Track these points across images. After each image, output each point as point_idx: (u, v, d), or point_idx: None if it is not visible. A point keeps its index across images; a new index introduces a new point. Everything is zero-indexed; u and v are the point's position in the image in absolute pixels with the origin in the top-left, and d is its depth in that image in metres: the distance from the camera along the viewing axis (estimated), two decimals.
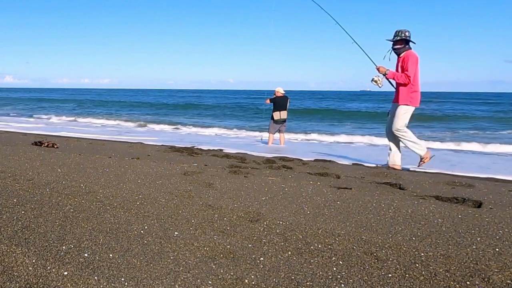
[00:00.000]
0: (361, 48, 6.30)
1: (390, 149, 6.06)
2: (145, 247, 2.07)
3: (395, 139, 6.01)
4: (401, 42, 5.81)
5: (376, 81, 5.96)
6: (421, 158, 5.90)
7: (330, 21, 6.36)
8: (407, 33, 5.75)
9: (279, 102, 9.89)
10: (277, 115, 9.84)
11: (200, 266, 1.89)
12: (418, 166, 5.94)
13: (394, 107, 5.98)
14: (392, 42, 5.85)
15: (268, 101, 10.16)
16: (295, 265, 1.95)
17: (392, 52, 5.91)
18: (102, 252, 1.98)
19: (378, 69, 5.99)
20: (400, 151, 6.04)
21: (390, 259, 2.01)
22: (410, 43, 5.81)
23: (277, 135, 10.06)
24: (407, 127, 5.90)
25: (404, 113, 5.81)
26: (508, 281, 1.79)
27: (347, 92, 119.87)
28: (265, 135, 11.06)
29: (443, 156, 8.01)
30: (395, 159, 6.03)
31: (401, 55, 5.86)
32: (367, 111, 27.66)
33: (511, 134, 14.20)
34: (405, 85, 5.78)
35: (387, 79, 5.98)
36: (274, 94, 10.12)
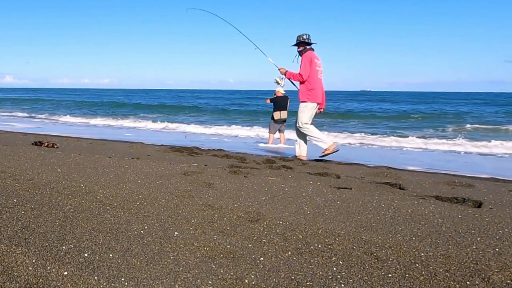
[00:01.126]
0: (263, 53, 6.99)
1: (297, 141, 6.73)
2: (145, 247, 2.07)
3: (301, 134, 6.61)
4: (301, 45, 6.52)
5: (277, 81, 6.81)
6: (324, 150, 6.50)
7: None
8: (304, 36, 6.47)
9: (279, 102, 9.89)
10: (277, 115, 9.84)
11: (200, 266, 1.89)
12: (320, 156, 6.56)
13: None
14: (296, 46, 6.57)
15: (268, 101, 10.17)
16: (295, 265, 1.95)
17: (298, 55, 6.60)
18: (102, 252, 1.98)
19: (279, 70, 6.70)
20: (306, 144, 6.67)
21: (390, 259, 2.01)
22: (313, 45, 6.53)
23: (277, 134, 10.07)
24: (312, 123, 6.55)
25: (303, 109, 6.42)
26: (508, 281, 1.79)
27: (348, 92, 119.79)
28: (265, 135, 11.08)
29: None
30: (301, 150, 6.67)
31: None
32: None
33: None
34: (303, 83, 6.40)
35: (288, 78, 6.67)
36: (275, 94, 10.12)
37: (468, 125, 16.47)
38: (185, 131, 13.19)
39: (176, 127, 15.54)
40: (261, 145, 9.95)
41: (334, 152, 6.39)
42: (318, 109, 6.60)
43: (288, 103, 9.99)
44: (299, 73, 6.37)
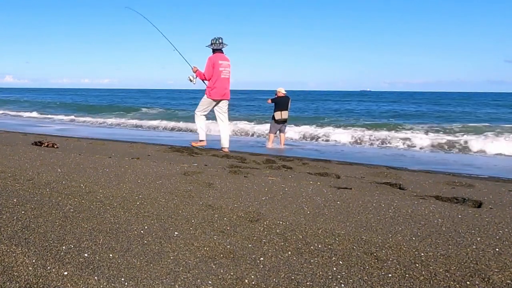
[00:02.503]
0: (180, 54, 7.74)
1: (220, 133, 7.52)
2: (145, 247, 2.07)
3: (221, 125, 7.48)
4: (213, 46, 7.39)
5: (190, 79, 7.49)
6: (196, 141, 7.56)
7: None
8: (213, 41, 7.30)
9: (280, 102, 9.88)
10: (278, 115, 9.82)
11: (200, 266, 1.89)
12: (190, 143, 7.64)
13: None
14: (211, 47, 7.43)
15: (269, 101, 10.14)
16: (295, 265, 1.95)
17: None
18: (102, 252, 1.98)
19: (192, 69, 7.46)
20: (225, 136, 7.42)
21: (390, 259, 2.01)
22: (221, 48, 7.33)
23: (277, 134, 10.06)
24: (205, 115, 7.56)
25: (203, 101, 7.42)
26: (508, 281, 1.79)
27: (347, 92, 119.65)
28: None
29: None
30: (223, 142, 7.43)
31: None
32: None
33: None
34: (207, 81, 7.34)
35: (197, 77, 7.50)
36: (276, 94, 10.11)
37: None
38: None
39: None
40: (261, 145, 9.94)
41: (199, 147, 7.37)
42: (224, 100, 7.43)
43: (290, 104, 9.97)
44: (203, 73, 7.28)
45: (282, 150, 9.14)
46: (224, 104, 7.38)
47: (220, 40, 7.24)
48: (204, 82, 7.40)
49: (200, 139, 7.47)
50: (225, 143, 7.36)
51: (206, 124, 7.67)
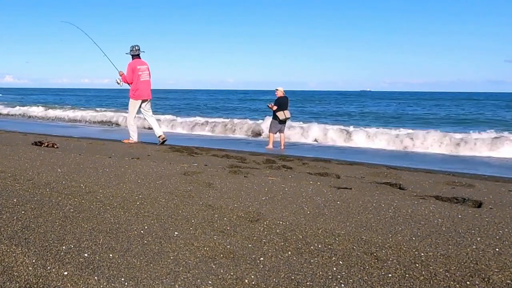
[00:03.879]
0: (109, 59, 8.62)
1: (153, 129, 8.31)
2: (145, 247, 2.07)
3: (150, 120, 8.34)
4: (132, 53, 8.22)
5: (118, 82, 8.31)
6: (128, 139, 8.23)
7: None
8: (130, 47, 8.14)
9: (282, 102, 9.85)
10: (282, 115, 9.78)
11: (200, 266, 1.89)
12: (123, 141, 8.30)
13: None
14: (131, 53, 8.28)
15: (274, 107, 9.77)
16: (295, 265, 1.95)
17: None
18: (102, 252, 1.98)
19: (119, 73, 8.28)
20: (156, 128, 8.24)
21: (390, 259, 2.01)
22: (139, 54, 8.16)
23: (277, 134, 10.04)
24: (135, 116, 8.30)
25: (130, 105, 8.24)
26: (508, 281, 1.79)
27: (348, 92, 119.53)
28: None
29: None
30: (157, 131, 8.21)
31: None
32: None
33: None
34: (130, 84, 8.14)
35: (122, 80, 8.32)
36: (276, 94, 10.07)
37: None
38: None
39: None
40: (261, 145, 9.92)
41: (128, 144, 7.91)
42: (146, 100, 8.24)
43: (289, 103, 9.96)
44: (126, 77, 8.18)
45: (283, 151, 9.13)
46: (147, 103, 8.31)
47: (137, 47, 8.17)
48: (128, 84, 8.28)
49: (132, 137, 8.22)
50: (159, 132, 8.22)
51: (136, 125, 8.48)
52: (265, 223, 2.47)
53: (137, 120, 8.58)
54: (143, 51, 8.28)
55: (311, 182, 3.77)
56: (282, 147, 9.70)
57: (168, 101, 41.23)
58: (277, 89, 10.10)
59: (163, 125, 14.11)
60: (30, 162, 3.98)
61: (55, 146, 5.99)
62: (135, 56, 8.18)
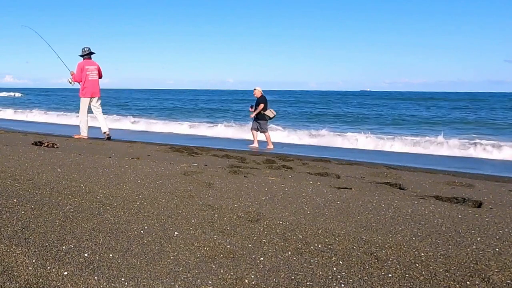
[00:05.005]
0: (62, 61, 9.40)
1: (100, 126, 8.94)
2: (145, 247, 2.07)
3: (98, 116, 8.89)
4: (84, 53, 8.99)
5: (69, 81, 9.01)
6: (79, 134, 8.92)
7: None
8: (82, 49, 8.88)
9: (266, 101, 9.81)
10: (270, 113, 9.76)
11: (200, 266, 1.89)
12: (74, 136, 8.97)
13: None
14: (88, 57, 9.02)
15: (261, 106, 9.69)
16: (295, 265, 1.95)
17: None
18: (102, 252, 1.98)
19: (70, 73, 9.00)
20: (103, 125, 8.86)
21: (390, 259, 2.01)
22: (89, 55, 8.87)
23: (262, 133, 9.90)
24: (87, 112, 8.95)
25: (81, 102, 8.85)
26: (508, 281, 1.79)
27: (348, 92, 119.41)
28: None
29: None
30: (103, 128, 8.83)
31: None
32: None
33: None
34: (79, 83, 8.88)
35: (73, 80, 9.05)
36: (254, 94, 9.88)
37: None
38: None
39: None
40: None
41: (78, 139, 8.29)
42: (95, 97, 8.88)
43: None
44: (76, 76, 8.89)
45: (273, 149, 9.16)
46: (96, 101, 8.89)
47: (86, 49, 8.88)
48: (78, 83, 8.99)
49: (82, 133, 8.87)
50: (105, 129, 8.79)
51: (87, 121, 8.96)
52: (265, 223, 2.47)
53: (90, 119, 9.12)
54: (94, 53, 8.98)
55: (311, 182, 3.77)
56: (271, 146, 9.62)
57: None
58: (255, 89, 9.95)
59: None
60: (30, 162, 3.98)
61: (55, 146, 5.99)
62: (85, 56, 8.86)
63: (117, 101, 43.38)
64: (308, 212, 2.71)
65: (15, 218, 2.36)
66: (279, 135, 12.27)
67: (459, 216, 2.66)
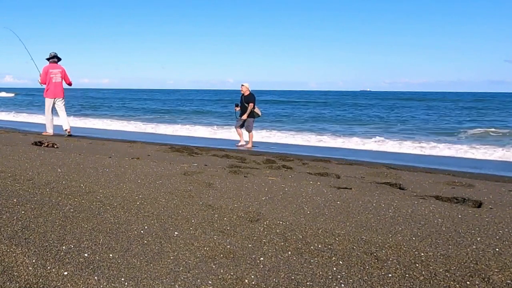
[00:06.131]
0: (35, 64, 10.15)
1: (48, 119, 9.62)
2: (145, 247, 2.07)
3: (60, 114, 9.59)
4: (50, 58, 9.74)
5: (39, 82, 9.64)
6: (45, 131, 9.46)
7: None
8: (50, 54, 9.59)
9: (255, 99, 9.52)
10: (258, 111, 9.59)
11: (200, 266, 1.89)
12: (43, 133, 9.44)
13: None
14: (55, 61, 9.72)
15: (252, 105, 9.49)
16: (295, 265, 1.95)
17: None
18: (102, 252, 1.98)
19: (40, 75, 9.62)
20: (64, 123, 9.54)
21: (390, 259, 2.01)
22: (54, 59, 9.57)
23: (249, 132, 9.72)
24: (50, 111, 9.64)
25: (45, 102, 9.58)
26: (508, 281, 1.79)
27: (348, 92, 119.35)
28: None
29: None
30: (64, 125, 9.51)
31: None
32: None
33: None
34: (44, 85, 9.62)
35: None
36: (242, 91, 9.62)
37: None
38: None
39: None
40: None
41: (45, 135, 8.90)
42: (58, 98, 9.58)
43: None
44: (41, 79, 9.60)
45: (252, 149, 9.06)
46: (59, 101, 9.60)
47: (52, 53, 9.58)
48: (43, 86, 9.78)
49: (47, 130, 9.46)
50: (66, 126, 9.45)
51: (52, 120, 9.61)
52: (265, 223, 2.47)
53: (55, 118, 9.67)
54: (60, 58, 9.73)
55: (311, 182, 3.77)
56: (251, 145, 9.54)
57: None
58: (243, 85, 9.63)
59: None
60: (30, 162, 3.98)
61: (55, 146, 5.99)
62: (50, 60, 9.57)
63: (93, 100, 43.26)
64: (308, 212, 2.71)
65: (15, 218, 2.36)
66: (276, 135, 12.39)
67: (459, 216, 2.66)
